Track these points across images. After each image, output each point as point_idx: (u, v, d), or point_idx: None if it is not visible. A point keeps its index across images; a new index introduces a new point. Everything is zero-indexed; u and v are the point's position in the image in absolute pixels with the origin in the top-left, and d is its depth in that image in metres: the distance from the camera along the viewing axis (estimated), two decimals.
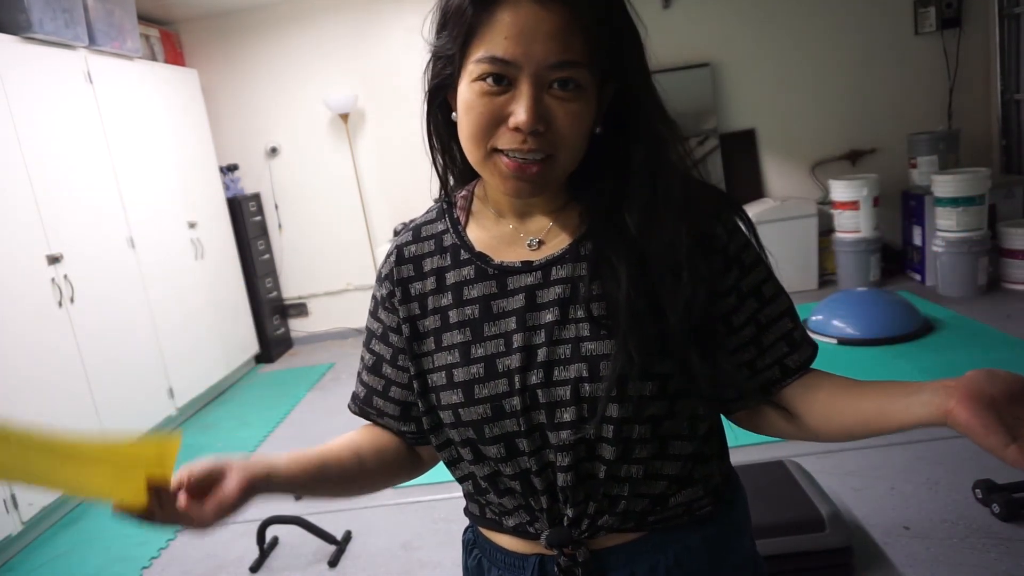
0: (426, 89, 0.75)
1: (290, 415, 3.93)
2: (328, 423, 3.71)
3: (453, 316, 0.77)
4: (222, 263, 4.62)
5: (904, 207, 4.65)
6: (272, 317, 5.12)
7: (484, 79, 0.66)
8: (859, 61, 4.71)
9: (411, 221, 0.87)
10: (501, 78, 0.66)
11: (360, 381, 0.87)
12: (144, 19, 4.44)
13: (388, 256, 0.83)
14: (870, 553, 2.00)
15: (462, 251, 0.78)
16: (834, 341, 3.64)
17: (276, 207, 5.23)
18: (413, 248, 0.82)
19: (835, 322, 3.70)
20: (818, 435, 0.74)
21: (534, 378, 0.71)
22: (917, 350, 3.43)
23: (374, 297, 0.84)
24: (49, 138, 3.18)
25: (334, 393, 4.18)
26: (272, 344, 5.07)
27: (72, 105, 3.39)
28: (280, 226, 5.26)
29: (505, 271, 0.76)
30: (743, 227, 0.76)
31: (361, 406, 0.87)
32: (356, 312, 5.36)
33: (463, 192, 0.84)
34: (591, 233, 0.74)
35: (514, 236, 0.78)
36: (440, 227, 0.82)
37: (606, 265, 0.71)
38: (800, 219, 4.50)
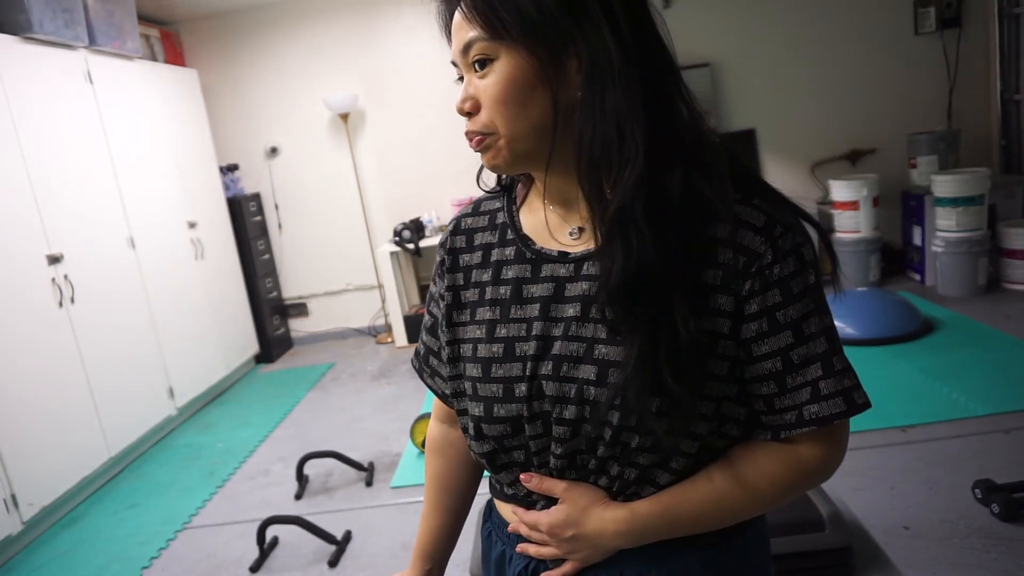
0: None
1: (290, 415, 3.93)
2: (328, 423, 3.72)
3: (488, 292, 0.79)
4: (222, 263, 4.62)
5: (904, 207, 4.65)
6: (272, 317, 5.12)
7: None
8: (859, 61, 4.71)
9: (468, 203, 0.91)
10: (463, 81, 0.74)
11: (421, 340, 0.92)
12: (144, 19, 4.44)
13: (448, 225, 0.88)
14: (870, 553, 2.00)
15: (509, 231, 0.81)
16: None
17: (276, 207, 5.23)
18: (470, 220, 0.86)
19: (835, 322, 3.69)
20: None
21: (544, 369, 0.72)
22: (917, 350, 3.43)
23: (435, 263, 0.89)
24: (49, 138, 3.18)
25: (334, 393, 4.19)
26: (272, 344, 5.07)
27: (72, 105, 3.39)
28: (280, 226, 5.26)
29: (542, 257, 0.77)
30: (805, 253, 0.69)
31: (420, 364, 0.92)
32: (356, 312, 5.37)
33: (524, 179, 0.86)
34: None
35: (559, 223, 0.78)
36: (497, 204, 0.85)
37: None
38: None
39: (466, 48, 0.70)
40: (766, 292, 0.68)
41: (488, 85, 0.69)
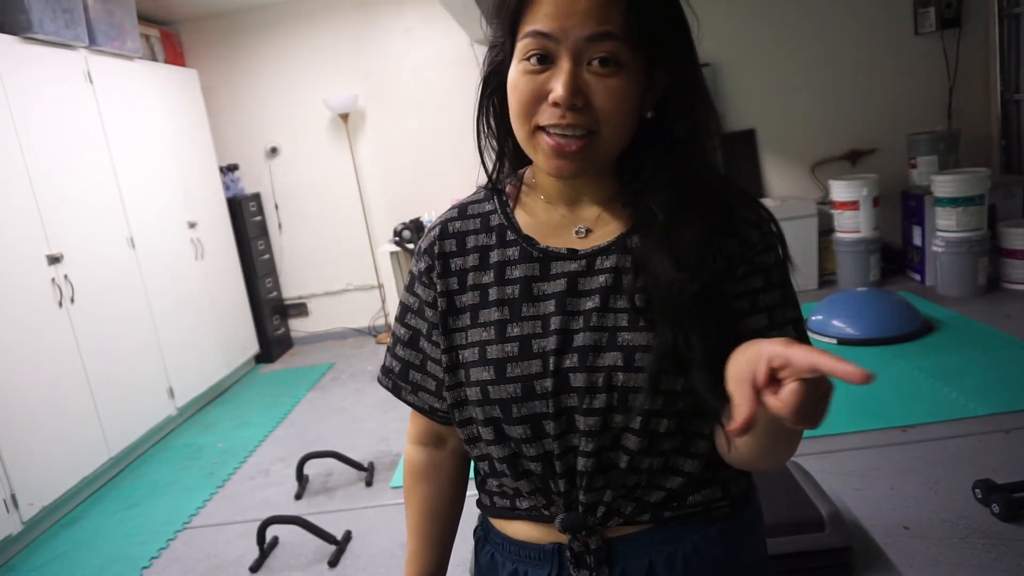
0: (481, 77, 0.78)
1: (290, 415, 3.93)
2: (328, 423, 3.72)
3: (493, 293, 0.77)
4: (222, 263, 4.62)
5: (904, 207, 4.65)
6: (272, 317, 5.12)
7: (528, 59, 0.68)
8: (859, 61, 4.71)
9: (454, 206, 0.87)
10: (544, 57, 0.68)
11: (394, 356, 0.87)
12: (144, 19, 4.44)
13: (430, 231, 0.84)
14: (870, 553, 2.00)
15: (509, 232, 0.79)
16: (834, 341, 3.64)
17: (276, 207, 5.23)
18: (458, 224, 0.82)
19: (835, 322, 3.70)
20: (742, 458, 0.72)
21: (568, 362, 0.72)
22: (917, 350, 3.43)
23: (411, 272, 0.85)
24: (49, 138, 3.18)
25: (334, 393, 4.19)
26: (272, 344, 5.07)
27: (72, 105, 3.39)
28: (280, 226, 5.26)
29: (550, 256, 0.76)
30: (782, 249, 0.76)
31: (395, 380, 0.87)
32: (356, 312, 5.37)
33: (512, 180, 0.84)
34: (637, 227, 0.74)
35: (562, 223, 0.78)
36: (488, 207, 0.82)
37: (650, 258, 0.72)
38: (800, 219, 4.50)
39: (598, 37, 0.66)
40: (751, 276, 0.73)
41: (616, 90, 0.67)
